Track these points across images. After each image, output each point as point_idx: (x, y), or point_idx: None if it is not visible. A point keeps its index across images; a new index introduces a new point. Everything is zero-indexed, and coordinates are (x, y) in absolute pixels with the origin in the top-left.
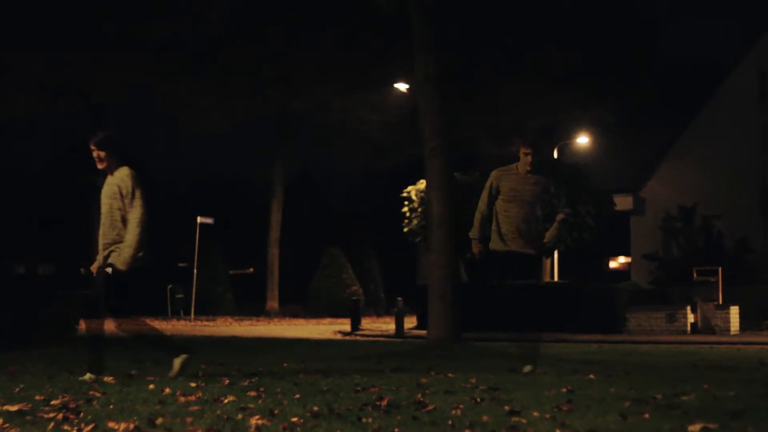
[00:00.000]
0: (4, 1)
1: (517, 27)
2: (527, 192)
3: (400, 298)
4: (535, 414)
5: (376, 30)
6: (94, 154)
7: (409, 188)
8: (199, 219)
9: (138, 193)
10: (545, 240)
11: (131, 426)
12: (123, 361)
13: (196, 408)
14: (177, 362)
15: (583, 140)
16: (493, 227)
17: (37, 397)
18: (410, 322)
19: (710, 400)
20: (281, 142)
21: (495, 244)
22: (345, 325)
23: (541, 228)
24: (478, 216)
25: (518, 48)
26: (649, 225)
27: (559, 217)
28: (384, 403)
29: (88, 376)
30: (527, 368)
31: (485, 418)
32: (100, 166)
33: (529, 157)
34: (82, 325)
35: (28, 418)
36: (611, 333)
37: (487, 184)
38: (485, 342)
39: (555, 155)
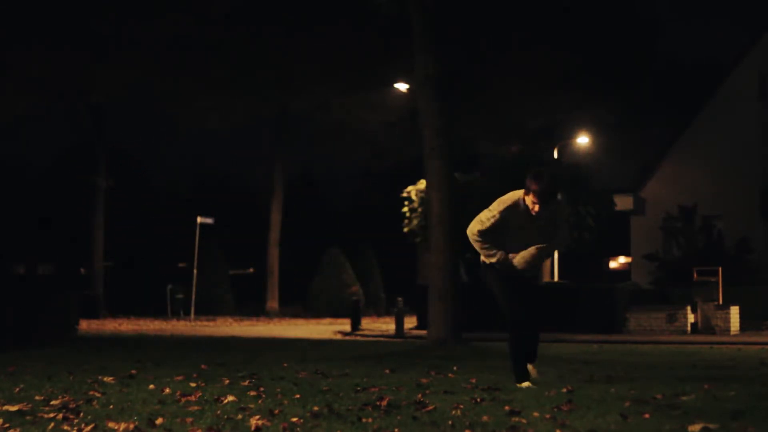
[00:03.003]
0: (4, 1)
1: (517, 27)
2: (534, 228)
3: (400, 298)
4: (535, 414)
5: (376, 30)
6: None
7: (409, 188)
8: (199, 219)
9: None
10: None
11: (131, 426)
12: (123, 361)
13: (196, 408)
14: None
15: (583, 140)
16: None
17: (37, 397)
18: (410, 322)
19: (710, 400)
20: (281, 142)
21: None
22: (345, 325)
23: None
24: (484, 239)
25: (518, 48)
26: (650, 225)
27: (550, 242)
28: (384, 403)
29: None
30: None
31: (485, 418)
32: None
33: (537, 206)
34: (83, 325)
35: (28, 418)
36: (611, 333)
37: (495, 215)
38: (485, 342)
39: (555, 155)
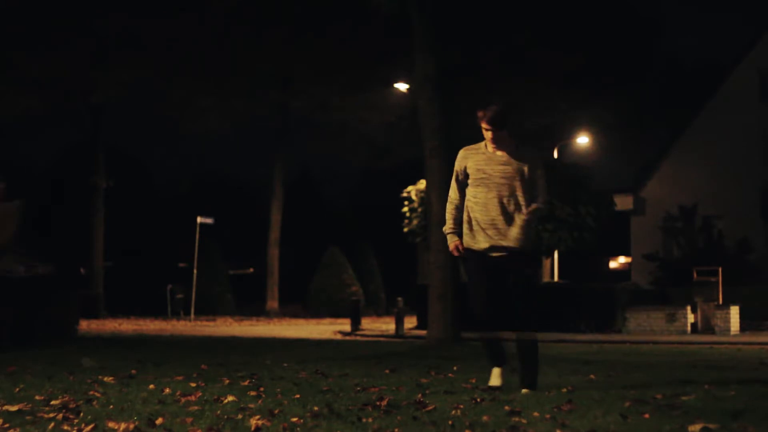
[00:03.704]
0: (4, 1)
1: (517, 27)
2: (496, 173)
3: (400, 298)
4: (535, 414)
5: (376, 30)
6: (491, 136)
7: (409, 188)
8: (199, 219)
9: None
10: (516, 238)
11: (131, 426)
12: (123, 361)
13: (196, 408)
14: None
15: (583, 140)
16: (464, 218)
17: (37, 397)
18: (410, 322)
19: (710, 400)
20: (281, 142)
21: (466, 239)
22: (345, 325)
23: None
24: (449, 207)
25: (518, 48)
26: (650, 225)
27: (532, 207)
28: (384, 403)
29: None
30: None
31: (485, 418)
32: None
33: (490, 133)
34: (83, 325)
35: (28, 418)
36: (611, 333)
37: (455, 167)
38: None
39: (555, 155)
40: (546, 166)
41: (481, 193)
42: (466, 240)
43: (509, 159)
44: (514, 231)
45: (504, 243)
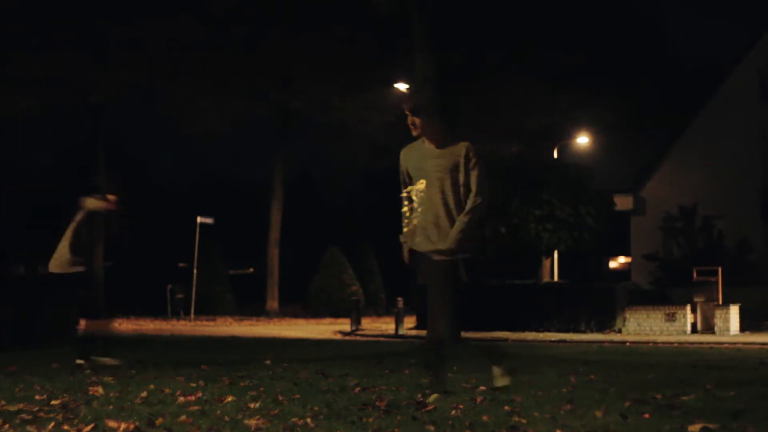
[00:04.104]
0: (4, 1)
1: (517, 27)
2: (431, 167)
3: (400, 298)
4: (535, 414)
5: (376, 30)
6: (409, 120)
7: (409, 188)
8: (199, 219)
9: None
10: (455, 240)
11: (131, 426)
12: (123, 361)
13: (196, 408)
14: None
15: (583, 140)
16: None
17: (37, 397)
18: (410, 322)
19: (710, 400)
20: (281, 142)
21: (407, 239)
22: (345, 325)
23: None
24: (403, 218)
25: (518, 48)
26: (650, 225)
27: (468, 206)
28: (384, 403)
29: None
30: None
31: (485, 418)
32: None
33: (409, 119)
34: (82, 325)
35: (28, 418)
36: (611, 333)
37: (400, 172)
38: (485, 342)
39: (555, 155)
40: (538, 164)
41: (421, 192)
42: (407, 239)
43: (441, 152)
44: (453, 233)
45: (442, 246)
